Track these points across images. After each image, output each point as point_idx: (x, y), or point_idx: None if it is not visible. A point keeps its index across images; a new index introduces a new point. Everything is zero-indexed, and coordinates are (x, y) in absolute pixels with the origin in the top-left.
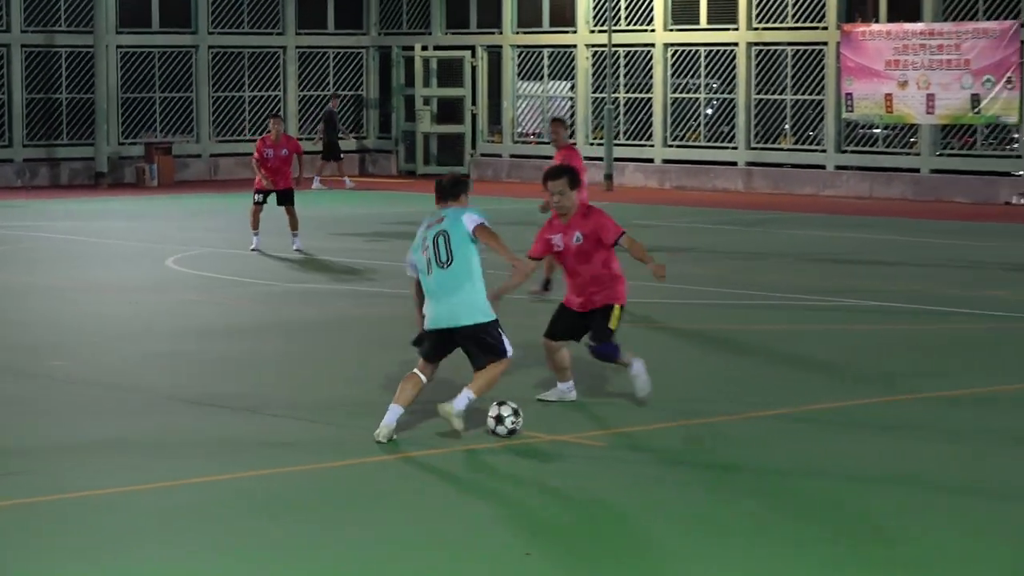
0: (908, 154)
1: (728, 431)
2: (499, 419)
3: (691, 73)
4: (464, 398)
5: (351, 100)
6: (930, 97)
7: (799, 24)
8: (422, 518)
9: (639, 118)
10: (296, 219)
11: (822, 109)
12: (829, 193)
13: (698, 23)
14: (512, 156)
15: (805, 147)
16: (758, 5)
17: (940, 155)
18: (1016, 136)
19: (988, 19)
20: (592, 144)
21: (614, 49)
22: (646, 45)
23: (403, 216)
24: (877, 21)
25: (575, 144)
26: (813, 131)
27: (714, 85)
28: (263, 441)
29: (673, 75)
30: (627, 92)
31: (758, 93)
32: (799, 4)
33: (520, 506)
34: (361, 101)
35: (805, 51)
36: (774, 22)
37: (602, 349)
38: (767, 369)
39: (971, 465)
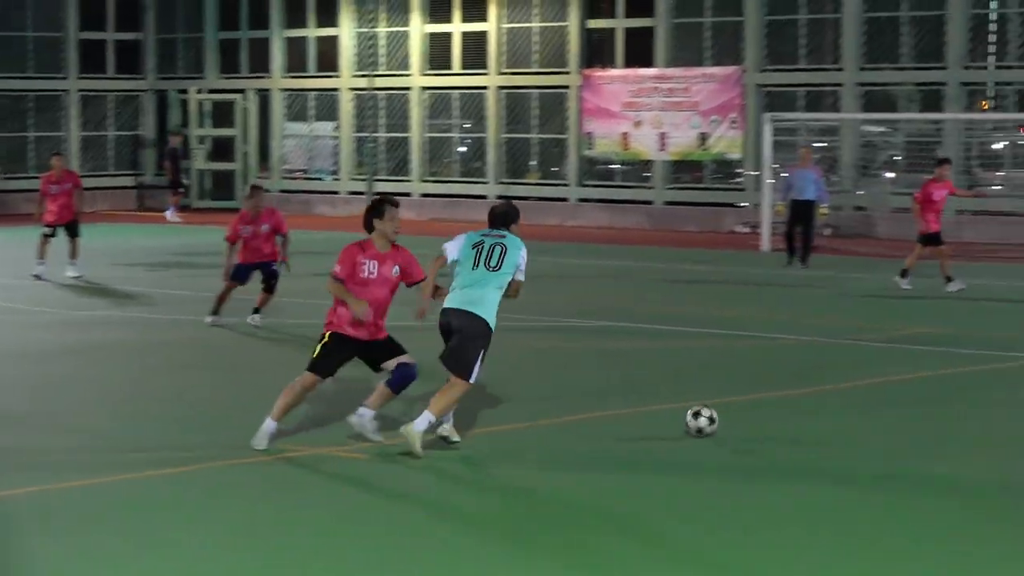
0: (643, 187)
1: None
2: (698, 414)
3: (445, 114)
4: (425, 420)
5: (130, 140)
6: (663, 136)
7: (544, 69)
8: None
9: (398, 155)
10: (77, 248)
11: (565, 147)
12: (572, 224)
13: (451, 69)
14: (280, 191)
15: (550, 181)
16: (506, 52)
17: (672, 188)
18: (739, 171)
19: (714, 65)
20: (355, 179)
21: (375, 92)
22: (404, 89)
23: (180, 247)
24: (614, 67)
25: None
26: (557, 167)
27: (467, 125)
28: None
29: (429, 116)
30: (387, 132)
31: (507, 132)
32: (543, 51)
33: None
34: (139, 140)
35: (549, 94)
36: (521, 67)
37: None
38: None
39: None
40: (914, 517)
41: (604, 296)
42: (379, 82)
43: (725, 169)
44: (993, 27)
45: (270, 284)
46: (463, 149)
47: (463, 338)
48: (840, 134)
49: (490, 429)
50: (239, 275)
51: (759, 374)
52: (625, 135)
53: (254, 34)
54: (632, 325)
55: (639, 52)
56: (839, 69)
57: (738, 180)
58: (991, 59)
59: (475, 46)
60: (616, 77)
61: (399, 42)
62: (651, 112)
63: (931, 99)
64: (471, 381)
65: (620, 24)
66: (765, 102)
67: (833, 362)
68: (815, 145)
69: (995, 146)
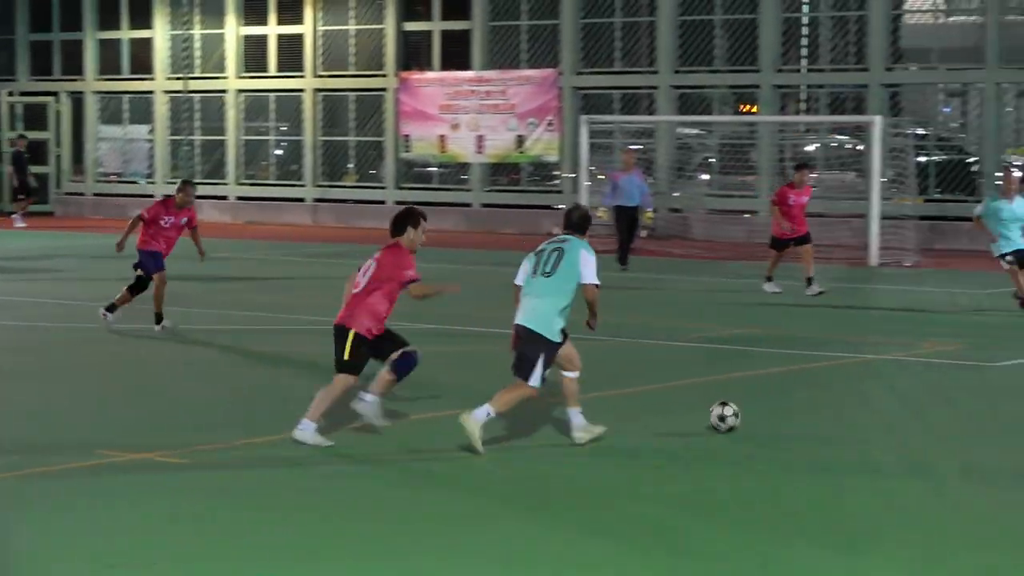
0: (461, 190)
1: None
2: (722, 418)
3: (262, 117)
4: (484, 411)
5: None
6: (480, 138)
7: (360, 72)
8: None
9: (214, 158)
10: None
11: (382, 149)
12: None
13: (267, 71)
14: (95, 195)
15: (368, 184)
16: (323, 55)
17: (490, 191)
18: (557, 173)
19: (531, 68)
20: (170, 182)
21: (190, 95)
22: (220, 91)
23: (35, 251)
24: (431, 69)
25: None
26: (374, 170)
27: (283, 128)
28: None
29: (245, 119)
30: (203, 135)
31: (324, 135)
32: (360, 54)
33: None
34: None
35: (366, 96)
36: (337, 70)
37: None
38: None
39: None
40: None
41: (426, 301)
42: (194, 84)
43: (542, 171)
44: (805, 30)
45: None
46: (280, 152)
47: (524, 349)
48: (656, 136)
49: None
50: (151, 265)
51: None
52: (442, 138)
53: (67, 36)
54: (454, 328)
55: (456, 55)
56: (654, 72)
57: (555, 182)
58: (803, 62)
59: (291, 48)
60: (433, 80)
61: (214, 44)
62: (468, 115)
63: (745, 101)
64: (532, 385)
65: (437, 27)
66: (581, 104)
67: (652, 363)
68: (631, 148)
69: (808, 148)
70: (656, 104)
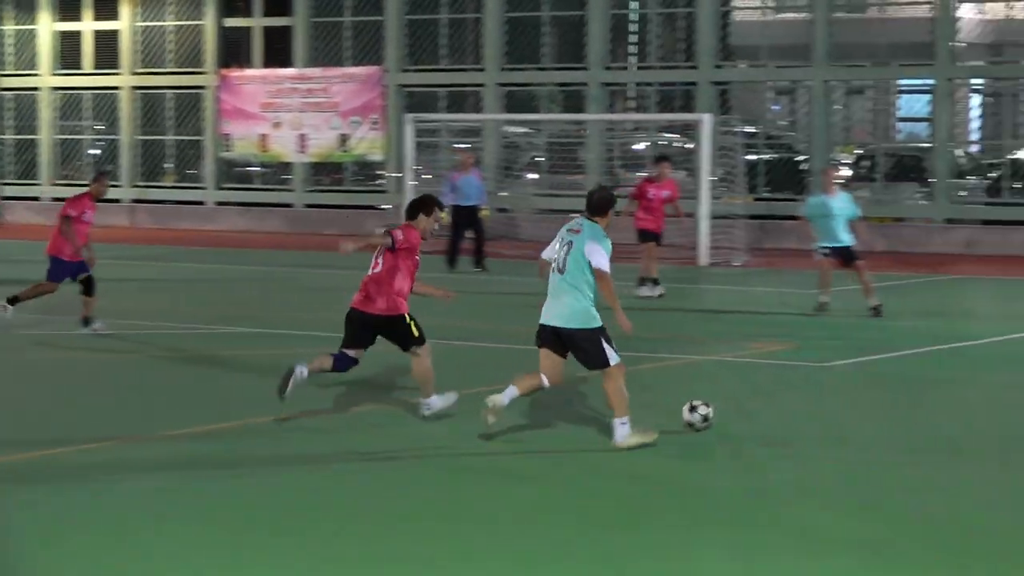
0: (283, 190)
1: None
2: (703, 417)
3: (76, 115)
4: (618, 427)
5: None
6: (302, 137)
7: (179, 69)
8: None
9: (26, 158)
10: None
11: (202, 149)
12: (210, 228)
13: (82, 68)
14: None
15: (186, 184)
16: (140, 51)
17: (312, 191)
18: (381, 173)
19: (354, 65)
20: None
21: (1, 93)
22: (32, 89)
23: None
24: (252, 67)
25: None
26: (194, 169)
27: (99, 126)
28: None
29: (60, 117)
30: (15, 134)
31: (141, 134)
32: (179, 50)
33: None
34: None
35: (185, 94)
36: (155, 67)
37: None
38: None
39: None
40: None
41: (245, 303)
42: (6, 82)
43: (367, 171)
44: (634, 27)
45: (89, 286)
46: (96, 151)
47: (576, 349)
48: (483, 135)
49: (179, 432)
50: (66, 273)
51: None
52: (264, 136)
53: None
54: (274, 332)
55: (277, 52)
56: (481, 69)
57: (380, 182)
58: (632, 60)
59: (107, 45)
60: (254, 77)
61: (26, 41)
62: (290, 113)
63: (573, 100)
64: (613, 364)
65: (258, 23)
66: (406, 102)
67: (484, 364)
68: (456, 146)
69: (636, 147)
70: (483, 102)
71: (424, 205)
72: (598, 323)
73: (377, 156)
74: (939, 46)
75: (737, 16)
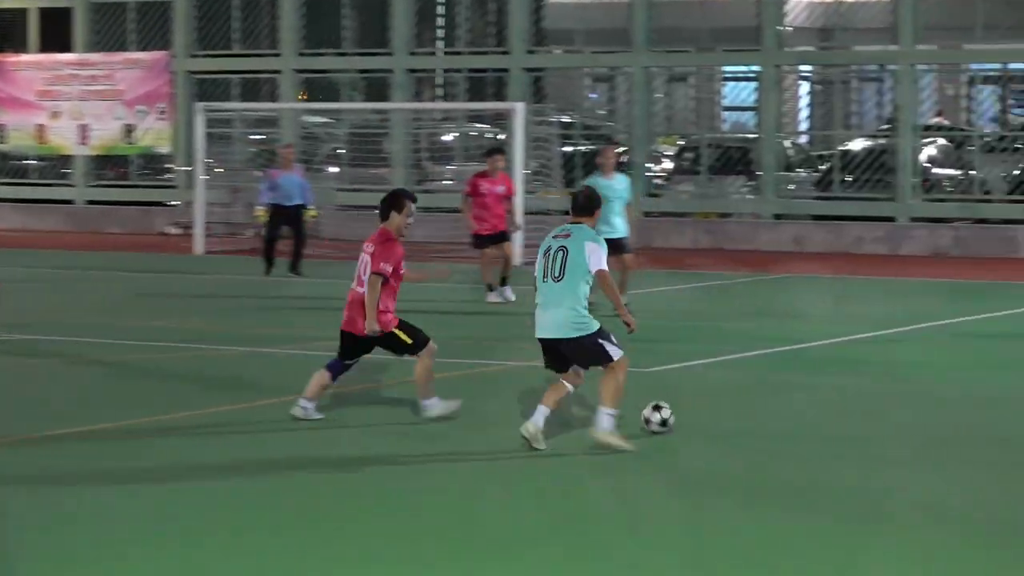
0: (63, 185)
1: None
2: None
3: None
4: (604, 416)
5: None
6: (84, 128)
7: None
8: None
9: None
10: None
11: None
12: None
13: None
14: None
15: None
16: None
17: (95, 186)
18: (170, 166)
19: (140, 50)
20: None
21: None
22: None
23: None
24: (27, 51)
25: None
26: None
27: None
28: None
29: None
30: None
31: None
32: None
33: None
34: None
35: None
36: None
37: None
38: None
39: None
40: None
41: (24, 309)
42: None
43: (154, 164)
44: (441, 10)
45: None
46: None
47: (580, 355)
48: (280, 125)
49: None
50: None
51: (209, 388)
52: (41, 127)
53: None
54: (58, 338)
55: (55, 35)
56: (277, 55)
57: (169, 176)
58: (439, 45)
59: None
60: (29, 63)
61: None
62: (70, 102)
63: (376, 87)
64: (617, 358)
65: (34, 4)
66: (196, 91)
67: (278, 372)
68: (252, 137)
69: (445, 137)
70: (279, 90)
71: (395, 201)
72: (596, 325)
73: (165, 148)
74: (765, 31)
75: None
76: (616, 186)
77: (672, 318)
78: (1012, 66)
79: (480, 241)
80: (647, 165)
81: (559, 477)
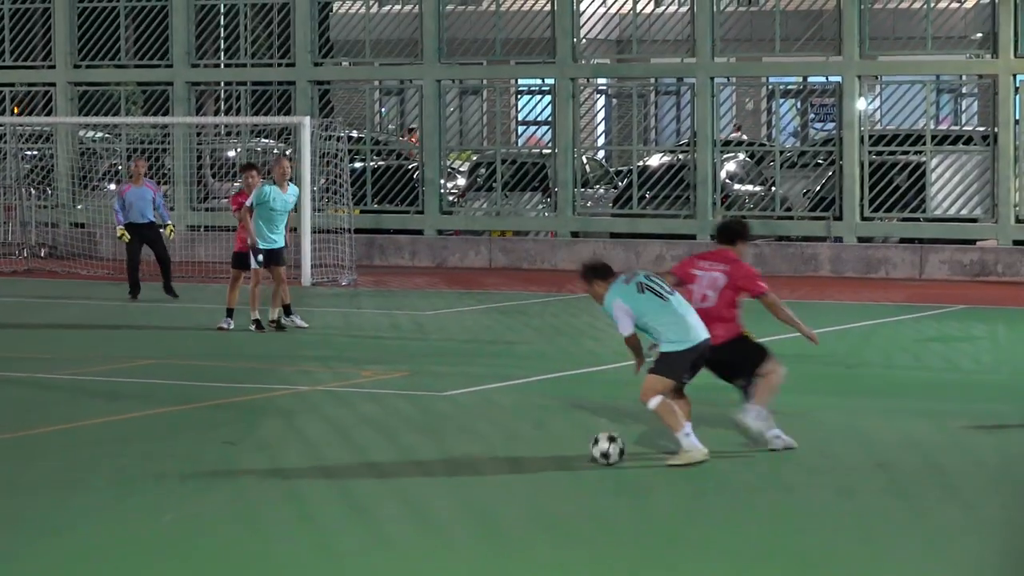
0: None
1: None
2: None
3: None
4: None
5: None
6: None
7: None
8: None
9: None
10: None
11: None
12: None
13: None
14: None
15: None
16: None
17: None
18: None
19: None
20: None
21: None
22: None
23: None
24: None
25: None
26: None
27: None
28: None
29: None
30: None
31: None
32: None
33: None
34: None
35: None
36: None
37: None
38: None
39: None
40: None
41: None
42: None
43: None
44: (223, 21)
45: None
46: None
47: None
48: (55, 141)
49: None
50: None
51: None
52: None
53: None
54: None
55: None
56: (51, 67)
57: None
58: (221, 56)
59: None
60: None
61: None
62: None
63: (157, 101)
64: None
65: None
66: None
67: (55, 401)
68: (27, 153)
69: (229, 153)
70: (54, 103)
71: (744, 230)
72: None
73: None
74: (560, 43)
75: (338, 8)
76: (288, 198)
77: (466, 339)
78: (812, 79)
79: (242, 261)
80: (440, 181)
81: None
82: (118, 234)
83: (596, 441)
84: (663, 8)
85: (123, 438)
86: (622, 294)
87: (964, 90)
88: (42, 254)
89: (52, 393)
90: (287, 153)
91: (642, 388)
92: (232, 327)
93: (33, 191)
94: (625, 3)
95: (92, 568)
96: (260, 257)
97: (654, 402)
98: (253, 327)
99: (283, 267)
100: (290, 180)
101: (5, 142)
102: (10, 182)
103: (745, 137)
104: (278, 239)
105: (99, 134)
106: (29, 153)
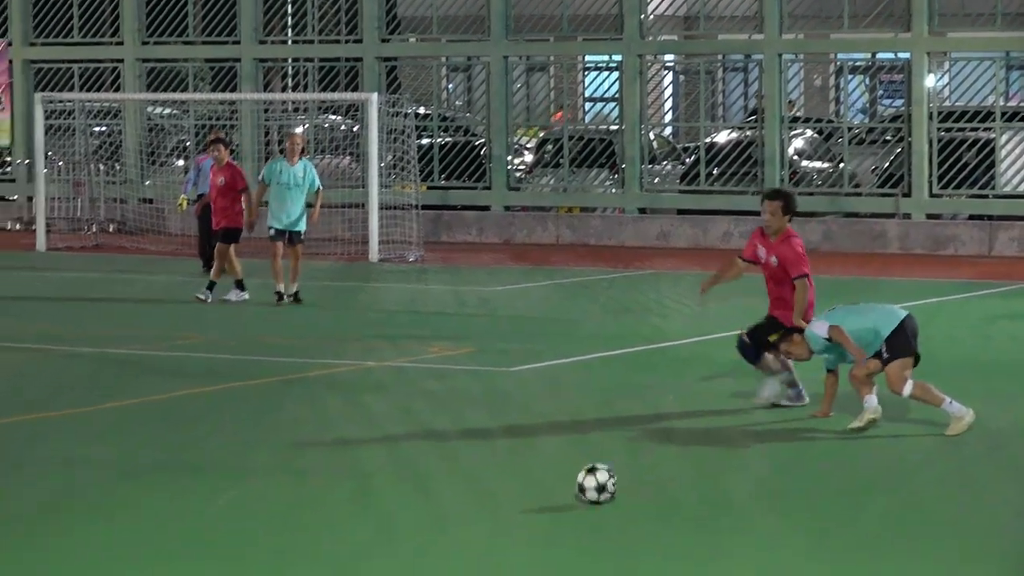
0: None
1: None
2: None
3: None
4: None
5: None
6: None
7: None
8: None
9: None
10: None
11: None
12: None
13: None
14: None
15: None
16: None
17: None
18: (8, 160)
19: None
20: None
21: None
22: None
23: None
24: None
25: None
26: None
27: None
28: None
29: None
30: None
31: None
32: None
33: None
34: None
35: None
36: None
37: (740, 345)
38: None
39: None
40: None
41: None
42: None
43: None
44: None
45: None
46: None
47: None
48: (123, 117)
49: None
50: None
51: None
52: None
53: None
54: None
55: None
56: (119, 43)
57: (7, 170)
58: (289, 33)
59: None
60: None
61: None
62: None
63: (224, 78)
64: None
65: None
66: (35, 80)
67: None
68: (96, 129)
69: (297, 129)
70: (122, 80)
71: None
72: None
73: (3, 141)
74: (627, 19)
75: None
76: (297, 172)
77: (532, 316)
78: (880, 56)
79: (231, 235)
80: (507, 158)
81: None
82: (179, 201)
83: (593, 471)
84: None
85: (186, 416)
86: (825, 318)
87: None
88: (111, 229)
89: (118, 368)
90: (298, 130)
91: (888, 382)
92: (210, 300)
93: (102, 167)
94: None
95: (152, 547)
96: (271, 232)
97: (907, 388)
98: (276, 300)
99: (300, 245)
100: (303, 155)
101: (74, 118)
102: (79, 158)
103: (800, 113)
104: (293, 218)
105: (167, 110)
106: (97, 129)
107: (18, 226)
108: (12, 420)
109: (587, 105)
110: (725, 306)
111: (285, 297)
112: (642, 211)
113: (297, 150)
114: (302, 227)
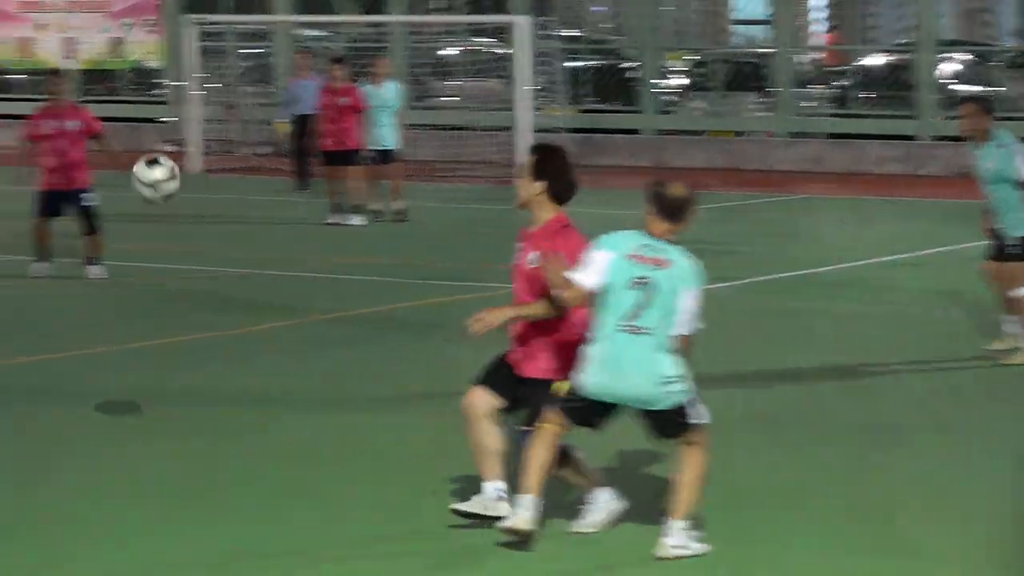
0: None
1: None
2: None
3: None
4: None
5: None
6: (70, 41)
7: None
8: None
9: None
10: None
11: None
12: None
13: None
14: None
15: None
16: None
17: (84, 101)
18: (160, 81)
19: None
20: None
21: None
22: None
23: None
24: None
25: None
26: None
27: None
28: None
29: None
30: None
31: None
32: None
33: None
34: None
35: None
36: None
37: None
38: None
39: None
40: None
41: (16, 231)
42: None
43: (144, 79)
44: None
45: None
46: None
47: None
48: (273, 39)
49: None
50: None
51: (231, 308)
52: (26, 40)
53: None
54: (58, 260)
55: None
56: None
57: (159, 92)
58: None
59: None
60: None
61: None
62: (55, 14)
63: (373, 0)
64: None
65: None
66: (185, 3)
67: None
68: (244, 52)
69: (445, 52)
70: (272, 3)
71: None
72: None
73: (155, 63)
74: None
75: None
76: (385, 95)
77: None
78: None
79: (336, 157)
80: (654, 82)
81: None
82: (277, 127)
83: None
84: None
85: (281, 347)
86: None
87: None
88: (262, 152)
89: (220, 294)
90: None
91: (1010, 279)
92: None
93: (251, 89)
94: None
95: (229, 472)
96: (369, 154)
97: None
98: (372, 217)
99: (396, 163)
100: (389, 77)
101: (225, 40)
102: (230, 80)
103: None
104: (384, 139)
105: (316, 32)
106: (247, 52)
107: (169, 148)
108: (177, 339)
109: (736, 28)
110: (879, 231)
111: (387, 214)
112: (793, 135)
113: (380, 73)
114: (392, 145)
